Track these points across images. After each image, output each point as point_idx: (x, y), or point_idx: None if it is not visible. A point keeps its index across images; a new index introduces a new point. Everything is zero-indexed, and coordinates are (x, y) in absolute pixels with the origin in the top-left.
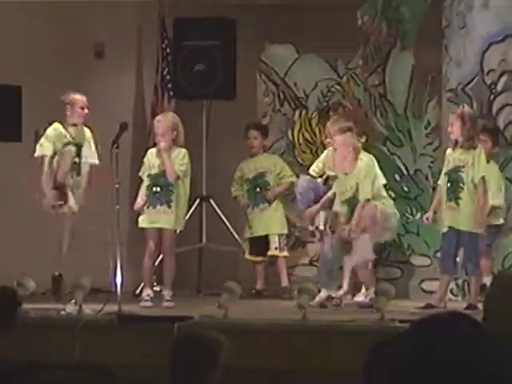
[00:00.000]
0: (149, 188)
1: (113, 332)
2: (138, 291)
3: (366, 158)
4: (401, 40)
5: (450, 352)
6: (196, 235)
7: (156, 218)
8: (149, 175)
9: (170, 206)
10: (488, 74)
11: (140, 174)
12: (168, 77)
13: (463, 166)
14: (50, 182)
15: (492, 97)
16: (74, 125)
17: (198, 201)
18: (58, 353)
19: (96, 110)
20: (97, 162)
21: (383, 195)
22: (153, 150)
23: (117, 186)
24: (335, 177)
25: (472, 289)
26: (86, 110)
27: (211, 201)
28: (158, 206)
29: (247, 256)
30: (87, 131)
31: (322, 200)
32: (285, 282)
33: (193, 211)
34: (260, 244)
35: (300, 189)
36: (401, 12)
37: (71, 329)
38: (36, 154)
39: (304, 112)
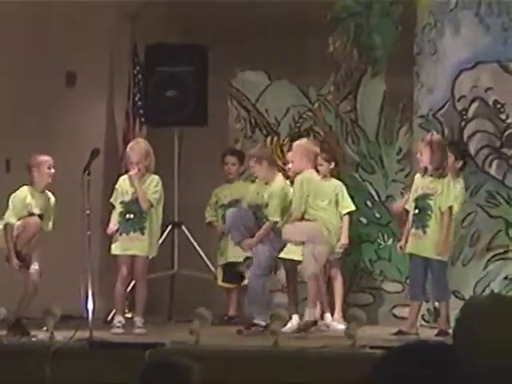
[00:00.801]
0: (122, 215)
1: (84, 358)
2: (109, 318)
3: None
4: (372, 66)
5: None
6: (168, 261)
7: (129, 245)
8: (122, 202)
9: (143, 233)
10: (459, 100)
11: (112, 200)
12: (139, 103)
13: (432, 194)
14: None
15: (463, 123)
16: (42, 191)
17: (170, 227)
18: (29, 379)
19: (68, 137)
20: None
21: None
22: (125, 177)
23: (87, 211)
24: None
25: (442, 314)
26: (52, 170)
27: (183, 227)
28: (132, 233)
29: (220, 283)
30: (52, 198)
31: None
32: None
33: (165, 237)
34: (233, 270)
35: (229, 223)
36: (372, 38)
37: (43, 355)
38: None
39: (276, 138)
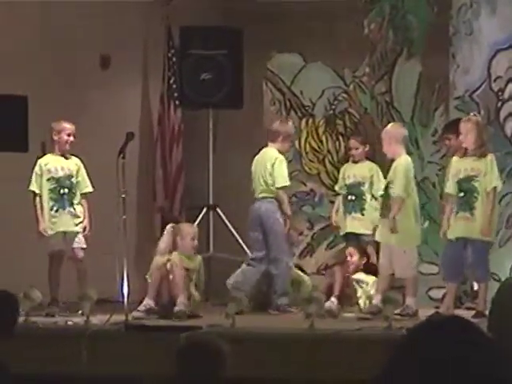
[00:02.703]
0: None
1: (120, 341)
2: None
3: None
4: (408, 48)
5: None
6: (203, 244)
7: None
8: None
9: None
10: (495, 80)
11: None
12: (174, 86)
13: (476, 176)
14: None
15: (499, 104)
16: (64, 157)
17: (205, 210)
18: (65, 363)
19: (102, 121)
20: (90, 189)
21: None
22: None
23: (123, 195)
24: None
25: (480, 296)
26: (71, 138)
27: (218, 210)
28: None
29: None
30: (78, 162)
31: None
32: None
33: (200, 220)
34: None
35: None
36: (408, 20)
37: (78, 339)
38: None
39: (311, 120)
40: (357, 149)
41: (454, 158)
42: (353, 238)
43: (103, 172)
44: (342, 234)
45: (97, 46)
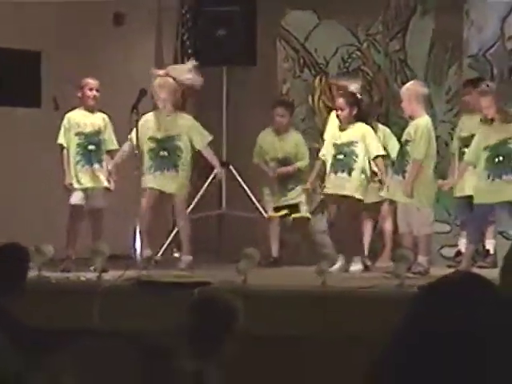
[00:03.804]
0: (154, 151)
1: (132, 298)
2: (158, 256)
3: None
4: (422, 5)
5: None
6: (216, 201)
7: (163, 182)
8: (152, 138)
9: (177, 171)
10: (509, 39)
11: (133, 136)
12: (188, 42)
13: (510, 138)
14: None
15: None
16: (90, 111)
17: None
18: (77, 318)
19: (116, 77)
20: (116, 146)
21: None
22: (152, 114)
23: (136, 152)
24: None
25: None
26: (94, 92)
27: (231, 167)
28: (166, 171)
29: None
30: (105, 118)
31: None
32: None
33: (213, 177)
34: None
35: None
36: None
37: (91, 295)
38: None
39: (324, 78)
40: (343, 109)
41: (481, 128)
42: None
43: (118, 128)
44: (325, 192)
45: (111, 3)
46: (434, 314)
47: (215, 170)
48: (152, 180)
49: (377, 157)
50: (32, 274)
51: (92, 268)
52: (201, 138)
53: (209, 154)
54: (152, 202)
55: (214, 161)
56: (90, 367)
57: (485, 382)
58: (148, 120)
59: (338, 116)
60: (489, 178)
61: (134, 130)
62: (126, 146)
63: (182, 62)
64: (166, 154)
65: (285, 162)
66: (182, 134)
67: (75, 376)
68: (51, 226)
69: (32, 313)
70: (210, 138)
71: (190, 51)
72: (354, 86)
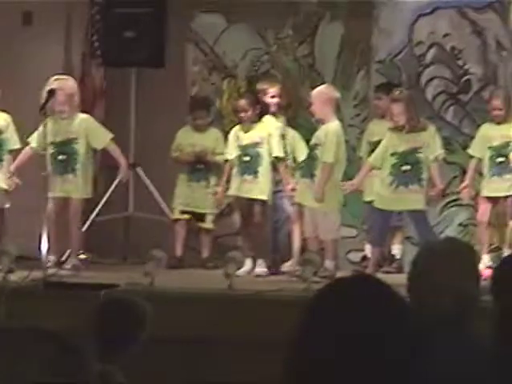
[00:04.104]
0: (53, 156)
1: (38, 298)
2: (63, 258)
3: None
4: (331, 10)
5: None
6: (123, 203)
7: (63, 187)
8: (53, 143)
9: (76, 175)
10: (417, 45)
11: (32, 140)
12: (97, 44)
13: (420, 147)
14: None
15: (420, 69)
16: None
17: None
18: None
19: (24, 78)
20: (18, 145)
21: None
22: (55, 118)
23: (42, 152)
24: None
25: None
26: None
27: (138, 169)
28: (65, 174)
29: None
30: (7, 119)
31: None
32: (206, 253)
33: (120, 179)
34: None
35: None
36: None
37: None
38: None
39: (233, 81)
40: (246, 111)
41: (390, 134)
42: (245, 203)
43: (26, 130)
44: (229, 193)
45: (19, 3)
46: (329, 315)
47: (120, 168)
48: (54, 187)
49: (277, 158)
50: None
51: None
52: (100, 138)
53: (114, 152)
54: (56, 208)
55: (121, 158)
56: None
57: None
58: (48, 123)
59: (241, 118)
60: (392, 184)
61: (37, 131)
62: (27, 150)
63: (91, 63)
64: (64, 157)
65: (201, 155)
66: (79, 136)
67: None
68: None
69: None
70: (110, 136)
71: (98, 52)
72: (273, 89)
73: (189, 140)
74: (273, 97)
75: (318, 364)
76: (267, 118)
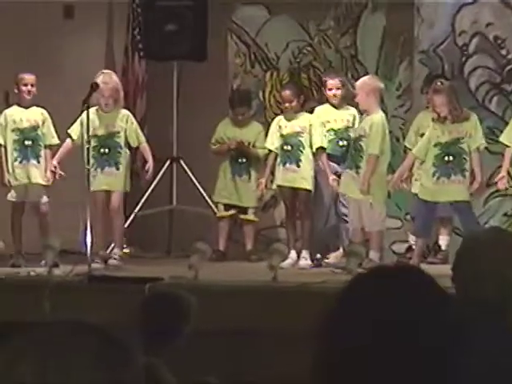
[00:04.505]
0: (96, 149)
1: (83, 293)
2: (107, 252)
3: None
4: (372, 1)
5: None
6: (166, 196)
7: (105, 180)
8: (95, 136)
9: (118, 168)
10: (460, 35)
11: (73, 131)
12: (139, 37)
13: (462, 138)
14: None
15: (464, 59)
16: (27, 107)
17: (168, 162)
18: (27, 314)
19: (66, 71)
20: (56, 141)
21: None
22: (94, 110)
23: (87, 146)
24: None
25: None
26: (29, 87)
27: (182, 162)
28: (107, 168)
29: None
30: (44, 113)
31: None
32: (250, 245)
33: (163, 172)
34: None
35: None
36: None
37: (41, 290)
38: None
39: (275, 73)
40: (290, 102)
41: (433, 125)
42: (288, 193)
43: (68, 123)
44: (274, 186)
45: None
46: (366, 300)
47: (147, 167)
48: (97, 181)
49: (318, 148)
50: None
51: (42, 263)
52: (135, 137)
53: (145, 150)
54: (100, 202)
55: (149, 158)
56: (48, 354)
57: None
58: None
59: (285, 108)
60: (435, 175)
61: (77, 124)
62: (68, 142)
63: (133, 56)
64: (107, 151)
65: (241, 145)
66: (121, 130)
67: (34, 362)
68: (1, 221)
69: None
70: (143, 139)
71: (140, 46)
72: (333, 81)
73: (229, 134)
74: (330, 89)
75: (352, 352)
76: (324, 109)
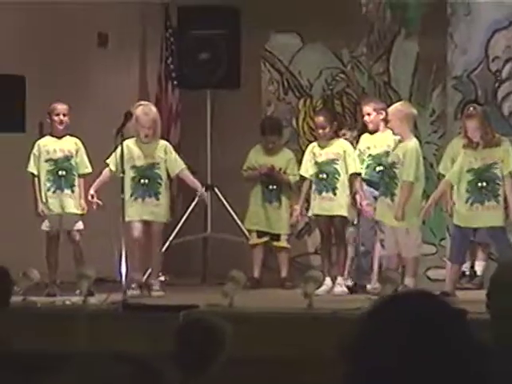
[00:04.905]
0: (135, 180)
1: (118, 321)
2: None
3: None
4: (405, 27)
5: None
6: (201, 224)
7: (144, 210)
8: (134, 167)
9: (158, 198)
10: (493, 61)
11: (111, 163)
12: (172, 66)
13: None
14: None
15: (497, 84)
16: (60, 137)
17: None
18: (63, 343)
19: (100, 100)
20: (89, 170)
21: None
22: (133, 141)
23: (121, 175)
24: None
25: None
26: (61, 117)
27: (216, 190)
28: (147, 198)
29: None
30: (78, 143)
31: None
32: (284, 273)
33: (198, 200)
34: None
35: None
36: None
37: (76, 319)
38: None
39: (308, 100)
40: (324, 128)
41: (465, 151)
42: (324, 220)
43: (101, 152)
44: (309, 214)
45: (95, 25)
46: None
47: (198, 192)
48: (134, 211)
49: (353, 174)
50: (18, 298)
51: (77, 292)
52: (175, 166)
53: (187, 178)
54: (138, 232)
55: (195, 183)
56: None
57: None
58: (128, 147)
59: (318, 134)
60: (468, 201)
61: (115, 153)
62: (106, 172)
63: (166, 85)
64: (146, 181)
65: (271, 170)
66: (161, 161)
67: None
68: (37, 251)
69: (17, 337)
70: (184, 165)
71: (173, 74)
72: (369, 106)
73: (260, 161)
74: (369, 114)
75: (377, 374)
76: (364, 136)
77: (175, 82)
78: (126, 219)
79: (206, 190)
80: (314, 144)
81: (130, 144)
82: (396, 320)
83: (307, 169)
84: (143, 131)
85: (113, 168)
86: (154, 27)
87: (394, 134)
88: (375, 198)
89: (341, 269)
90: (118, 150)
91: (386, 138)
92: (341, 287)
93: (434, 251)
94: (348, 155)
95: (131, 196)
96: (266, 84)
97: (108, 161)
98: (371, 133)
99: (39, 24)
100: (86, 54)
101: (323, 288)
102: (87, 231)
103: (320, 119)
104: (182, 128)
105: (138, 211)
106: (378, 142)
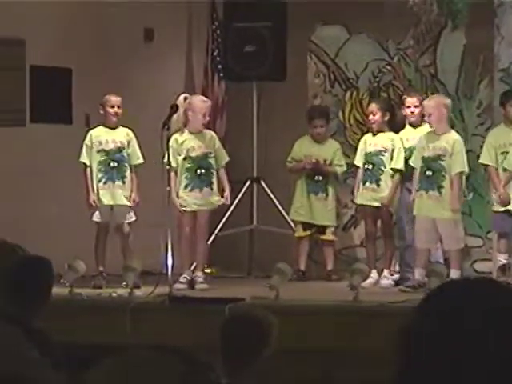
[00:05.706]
0: (191, 170)
1: (164, 314)
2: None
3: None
4: (452, 20)
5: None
6: (247, 217)
7: (200, 200)
8: (189, 157)
9: (212, 188)
10: None
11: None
12: (218, 58)
13: None
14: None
15: None
16: (113, 128)
17: (249, 182)
18: (109, 335)
19: (146, 93)
20: (141, 161)
21: None
22: (186, 132)
23: (167, 167)
24: None
25: None
26: (115, 109)
27: (262, 183)
28: (204, 188)
29: (299, 233)
30: (130, 133)
31: None
32: (330, 265)
33: (244, 193)
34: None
35: None
36: None
37: (122, 311)
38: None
39: (355, 93)
40: (374, 114)
41: None
42: (369, 212)
43: (148, 144)
44: (356, 202)
45: (141, 19)
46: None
47: (225, 193)
48: (190, 201)
49: (396, 171)
50: (64, 290)
51: (123, 284)
52: (222, 157)
53: (222, 175)
54: (190, 223)
55: (226, 185)
56: (135, 377)
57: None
58: (177, 139)
59: (369, 121)
60: None
61: (171, 150)
62: (172, 175)
63: (212, 78)
64: (203, 171)
65: (315, 163)
66: (213, 151)
67: None
68: (83, 242)
69: (62, 329)
70: (228, 159)
71: (219, 67)
72: (412, 99)
73: (305, 151)
74: (409, 107)
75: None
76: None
77: (221, 75)
78: (182, 209)
79: (252, 183)
80: (369, 134)
81: (178, 137)
82: (469, 305)
83: (359, 159)
84: (198, 120)
85: (174, 165)
86: (200, 20)
87: (430, 126)
88: (409, 191)
89: (387, 261)
90: (171, 145)
91: (423, 132)
92: (387, 280)
93: (480, 244)
94: (396, 151)
95: (186, 187)
96: (312, 76)
97: (168, 161)
98: (413, 126)
99: (86, 18)
100: (133, 48)
101: (369, 280)
102: (134, 223)
103: (372, 106)
104: (228, 120)
105: (193, 201)
106: (412, 136)
